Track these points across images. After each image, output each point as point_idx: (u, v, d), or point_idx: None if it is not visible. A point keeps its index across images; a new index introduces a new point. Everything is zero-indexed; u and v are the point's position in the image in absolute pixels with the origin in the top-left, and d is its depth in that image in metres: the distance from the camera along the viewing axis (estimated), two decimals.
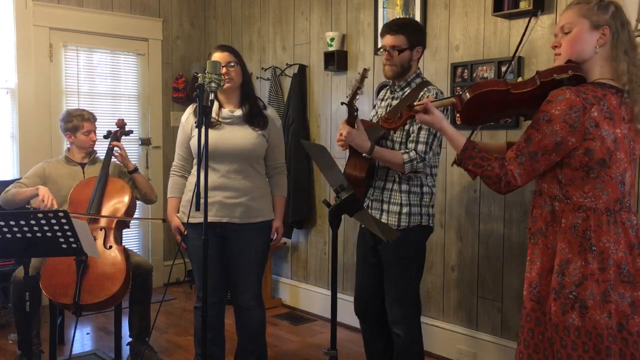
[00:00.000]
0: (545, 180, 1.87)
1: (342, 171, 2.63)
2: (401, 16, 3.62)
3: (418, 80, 2.68)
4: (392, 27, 2.64)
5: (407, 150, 2.54)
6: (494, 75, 3.18)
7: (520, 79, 2.01)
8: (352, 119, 2.52)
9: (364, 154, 2.56)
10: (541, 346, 1.84)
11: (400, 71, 2.65)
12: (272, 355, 3.53)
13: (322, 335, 3.96)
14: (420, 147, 2.53)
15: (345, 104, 2.53)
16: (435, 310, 3.58)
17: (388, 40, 2.62)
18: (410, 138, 2.56)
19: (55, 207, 3.18)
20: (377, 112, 2.81)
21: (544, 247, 1.88)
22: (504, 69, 3.14)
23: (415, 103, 2.07)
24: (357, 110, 2.53)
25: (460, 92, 1.95)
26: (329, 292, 3.48)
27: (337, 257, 2.21)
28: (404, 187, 2.61)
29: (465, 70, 3.33)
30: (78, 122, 3.47)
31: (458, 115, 1.96)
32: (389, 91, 2.77)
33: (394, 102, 2.69)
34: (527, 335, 1.88)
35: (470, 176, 1.95)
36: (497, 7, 3.12)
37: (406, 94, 2.64)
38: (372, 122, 2.76)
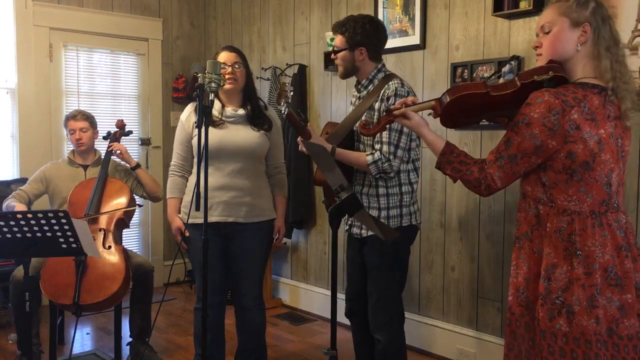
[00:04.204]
0: (529, 183, 1.83)
1: (315, 174, 2.62)
2: (401, 17, 3.62)
3: (380, 75, 2.62)
4: (334, 27, 2.61)
5: (372, 152, 2.50)
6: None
7: (500, 81, 1.96)
8: (301, 130, 2.48)
9: None
10: (532, 352, 1.79)
11: (344, 72, 2.62)
12: (272, 355, 3.52)
13: (322, 335, 3.96)
14: (385, 148, 2.47)
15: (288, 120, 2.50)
16: (435, 310, 3.58)
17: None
18: (376, 139, 2.51)
19: None
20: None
21: (530, 251, 1.83)
22: (504, 69, 3.14)
23: (392, 107, 2.04)
24: (304, 120, 2.50)
25: (440, 96, 1.90)
26: (329, 292, 3.47)
27: (337, 257, 2.20)
28: (382, 190, 2.56)
29: (465, 70, 3.33)
30: (67, 121, 3.50)
31: (438, 118, 1.93)
32: (355, 89, 2.73)
33: (359, 102, 2.66)
34: (518, 340, 1.83)
35: (452, 180, 1.92)
36: (497, 7, 3.12)
37: (370, 91, 2.61)
38: (337, 123, 2.73)
